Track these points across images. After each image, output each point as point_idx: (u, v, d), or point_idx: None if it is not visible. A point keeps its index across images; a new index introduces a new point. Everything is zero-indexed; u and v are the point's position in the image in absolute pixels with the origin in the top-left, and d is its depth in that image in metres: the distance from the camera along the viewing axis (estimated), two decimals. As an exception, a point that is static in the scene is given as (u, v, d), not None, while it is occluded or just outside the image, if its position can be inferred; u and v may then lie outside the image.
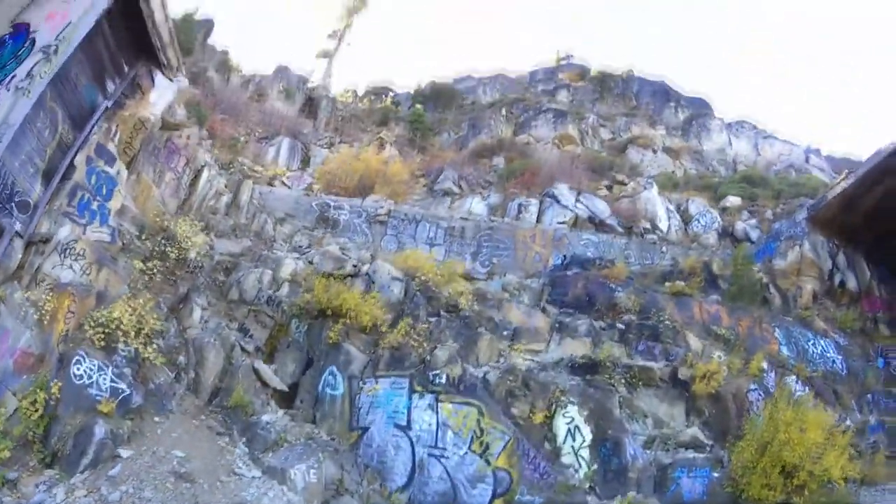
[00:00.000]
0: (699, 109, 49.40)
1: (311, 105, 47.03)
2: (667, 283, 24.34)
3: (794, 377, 21.91)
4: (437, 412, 16.65)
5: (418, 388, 17.09)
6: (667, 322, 21.16)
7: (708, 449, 17.49)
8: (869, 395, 24.58)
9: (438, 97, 53.09)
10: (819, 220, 31.06)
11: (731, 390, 18.80)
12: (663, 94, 51.52)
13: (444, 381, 17.12)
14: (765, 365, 21.19)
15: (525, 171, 35.04)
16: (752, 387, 19.37)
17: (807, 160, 46.74)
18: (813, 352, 24.99)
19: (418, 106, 49.38)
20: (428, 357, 17.84)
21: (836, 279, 30.24)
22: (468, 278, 23.76)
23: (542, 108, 46.27)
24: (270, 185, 30.23)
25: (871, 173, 30.88)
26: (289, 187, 31.27)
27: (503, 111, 47.21)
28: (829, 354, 25.43)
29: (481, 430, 16.28)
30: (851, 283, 30.44)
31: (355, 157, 35.08)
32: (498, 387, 17.49)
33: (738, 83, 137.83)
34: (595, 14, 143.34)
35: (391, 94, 54.72)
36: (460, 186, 34.73)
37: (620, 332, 20.58)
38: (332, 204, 28.05)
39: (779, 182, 38.56)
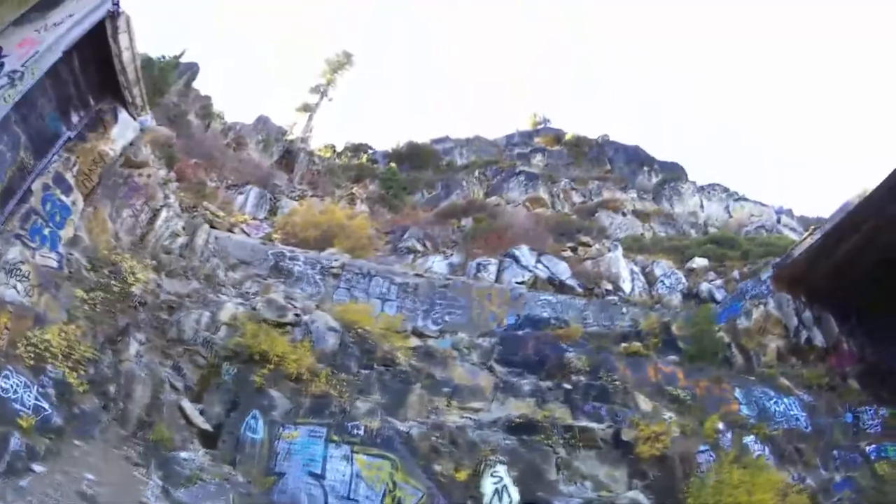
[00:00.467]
0: (672, 173, 49.63)
1: (288, 157, 47.12)
2: (622, 344, 23.95)
3: (752, 437, 21.34)
4: (351, 463, 16.20)
5: (335, 438, 16.60)
6: (617, 383, 20.61)
7: None
8: (835, 452, 23.96)
9: (415, 157, 53.46)
10: (785, 278, 30.83)
11: (678, 452, 18.07)
12: (637, 158, 51.84)
13: (361, 432, 16.64)
14: (720, 426, 20.71)
15: (490, 232, 34.83)
16: (703, 448, 18.72)
17: (778, 221, 46.72)
18: (775, 410, 24.56)
19: (392, 165, 49.57)
20: (348, 408, 17.46)
21: (803, 336, 29.82)
22: (419, 335, 23.49)
23: (514, 171, 46.45)
24: (230, 231, 29.98)
25: (837, 229, 30.65)
26: (248, 234, 31.03)
27: (476, 173, 47.32)
28: (792, 412, 24.97)
29: (394, 484, 15.70)
30: (818, 340, 30.06)
31: (319, 210, 34.89)
32: (421, 442, 16.93)
33: (712, 148, 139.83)
34: (572, 81, 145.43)
35: (369, 151, 55.01)
36: (424, 245, 34.52)
37: (567, 393, 20.00)
38: (287, 254, 27.76)
39: (747, 242, 38.43)
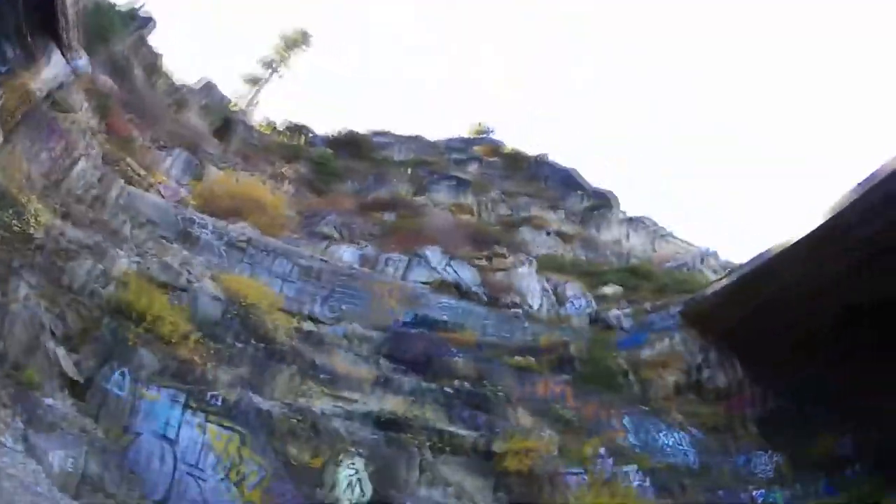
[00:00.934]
0: (603, 201, 49.40)
1: (227, 127, 45.76)
2: (516, 357, 23.52)
3: (634, 467, 21.36)
4: (204, 432, 15.80)
5: (193, 405, 16.20)
6: (500, 394, 20.38)
7: None
8: (721, 492, 24.19)
9: (352, 146, 52.30)
10: (694, 315, 30.87)
11: (547, 471, 17.97)
12: (571, 182, 51.55)
13: (219, 403, 16.28)
14: (602, 451, 20.67)
15: (409, 230, 34.29)
16: (574, 470, 18.68)
17: (702, 261, 46.79)
18: (664, 443, 24.61)
19: (328, 150, 48.61)
20: (211, 377, 17.12)
21: (705, 374, 30.00)
22: (314, 320, 23.09)
23: (446, 175, 45.95)
24: (146, 190, 28.87)
25: (752, 275, 30.69)
26: (162, 196, 29.89)
27: (409, 171, 46.65)
28: (681, 447, 25.10)
29: (240, 459, 15.34)
30: (720, 380, 30.28)
31: (240, 182, 33.95)
32: (280, 423, 16.47)
33: (651, 183, 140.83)
34: (527, 98, 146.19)
35: (309, 134, 53.86)
36: (341, 233, 33.71)
37: (447, 397, 19.69)
38: (196, 220, 26.79)
39: (665, 276, 38.39)
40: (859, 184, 27.02)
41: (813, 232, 27.81)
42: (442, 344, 22.39)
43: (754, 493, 25.22)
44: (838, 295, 32.85)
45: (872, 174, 26.96)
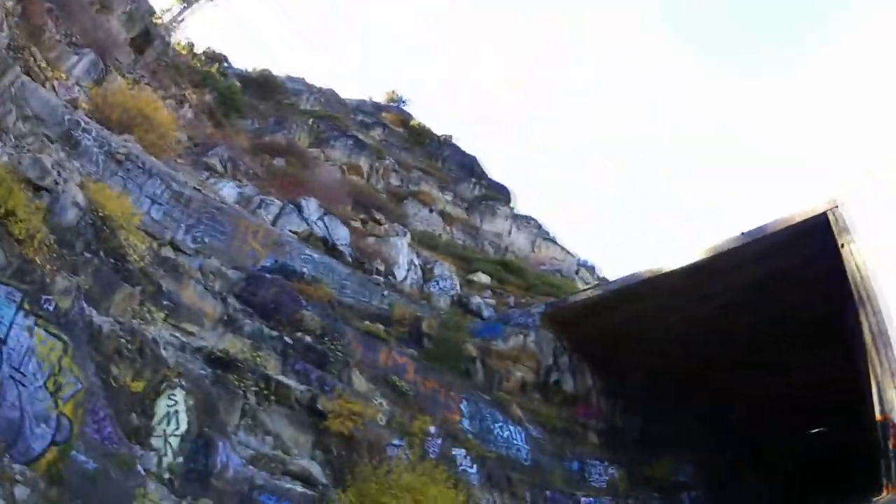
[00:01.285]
0: (497, 194, 49.77)
1: (145, 39, 43.82)
2: (366, 322, 23.26)
3: (463, 451, 21.45)
4: (32, 335, 14.69)
5: (26, 307, 15.02)
6: (340, 354, 20.10)
7: (319, 488, 16.10)
8: (549, 493, 24.41)
9: (264, 86, 51.43)
10: (555, 319, 31.29)
11: (368, 438, 17.76)
12: (470, 168, 51.97)
13: (52, 308, 15.25)
14: (432, 429, 20.61)
15: (293, 177, 33.70)
16: (396, 442, 18.57)
17: (577, 271, 47.63)
18: (499, 435, 24.72)
19: (237, 83, 47.41)
20: (50, 281, 15.92)
21: (553, 377, 30.41)
22: (175, 247, 22.23)
23: (347, 133, 45.33)
24: (42, 84, 27.33)
25: (618, 293, 31.25)
26: (56, 93, 28.37)
27: (311, 122, 45.83)
28: (515, 442, 25.26)
29: (60, 369, 14.42)
30: (569, 386, 30.83)
31: (136, 94, 32.46)
32: (108, 340, 15.74)
33: (552, 186, 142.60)
34: (459, 80, 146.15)
35: (225, 64, 52.32)
36: (225, 168, 32.81)
37: (286, 346, 19.26)
38: (82, 125, 25.46)
39: (536, 277, 38.83)
40: (743, 233, 27.73)
41: (684, 268, 28.47)
42: (295, 294, 21.89)
43: (583, 499, 25.73)
44: (696, 336, 33.88)
45: (759, 228, 27.66)
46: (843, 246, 25.38)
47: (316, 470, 16.60)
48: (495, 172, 53.40)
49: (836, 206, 25.91)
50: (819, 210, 26.31)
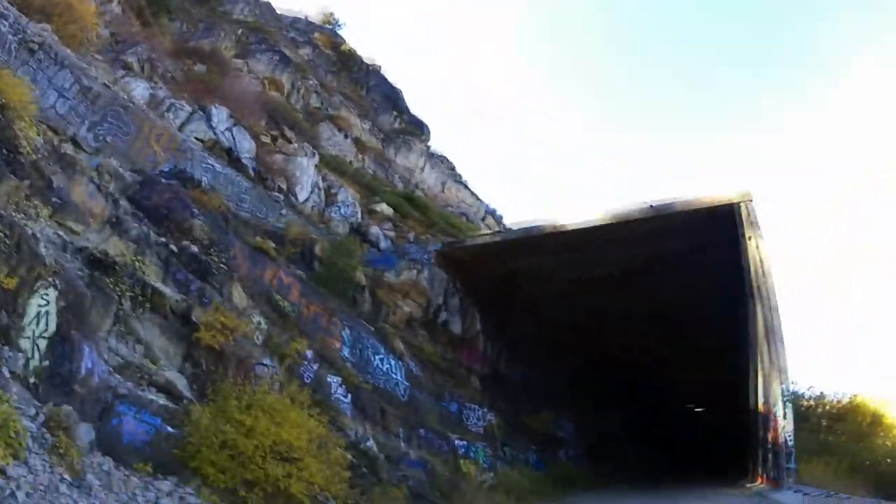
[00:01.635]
0: (414, 130, 49.64)
1: None
2: (257, 238, 23.26)
3: (339, 379, 21.42)
4: None
5: None
6: (224, 267, 19.89)
7: (183, 401, 15.74)
8: (422, 431, 24.54)
9: (199, -11, 49.42)
10: (450, 259, 31.61)
11: (239, 354, 17.51)
12: (394, 101, 51.61)
13: None
14: (308, 353, 20.56)
15: (208, 83, 33.15)
16: (267, 362, 18.31)
17: (483, 218, 48.07)
18: (378, 367, 24.78)
19: (171, -14, 45.63)
20: None
21: (442, 317, 30.84)
22: (76, 143, 21.83)
23: (274, 48, 44.40)
24: None
25: (517, 242, 31.66)
26: None
27: (240, 31, 44.68)
28: (394, 376, 25.43)
29: None
30: (456, 327, 31.34)
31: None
32: None
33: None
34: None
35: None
36: (143, 68, 31.85)
37: (171, 254, 18.96)
38: (1, 10, 24.34)
39: (439, 217, 39.01)
40: (651, 206, 28.28)
41: (586, 228, 28.97)
42: (189, 202, 21.50)
43: (457, 441, 25.97)
44: (590, 297, 34.63)
45: (668, 204, 28.23)
46: (749, 238, 26.33)
47: (182, 383, 16.30)
48: (419, 109, 53.14)
49: (750, 200, 26.74)
50: (732, 200, 27.13)
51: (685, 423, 67.76)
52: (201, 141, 27.22)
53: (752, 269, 26.11)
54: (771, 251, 26.22)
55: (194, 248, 19.75)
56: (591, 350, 43.60)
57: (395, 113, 49.79)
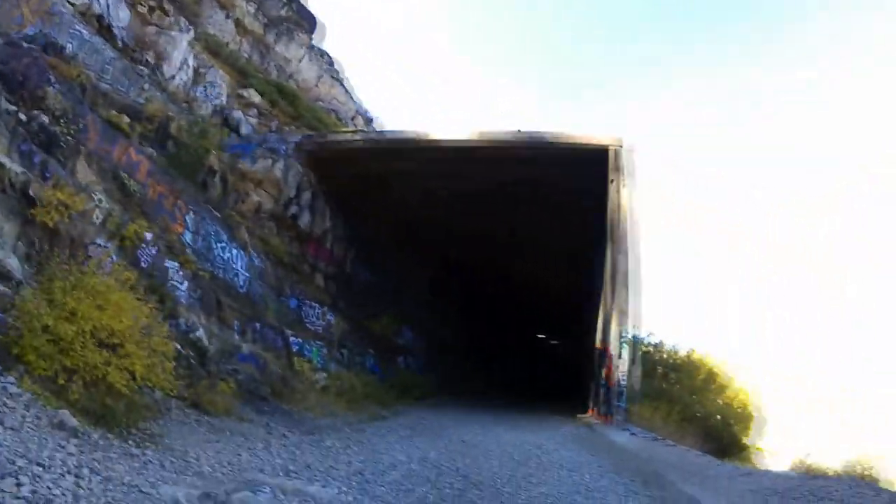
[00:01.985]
0: (301, 21, 48.50)
1: None
2: (112, 111, 22.83)
3: (177, 265, 21.04)
4: None
5: None
6: (71, 140, 19.40)
7: (13, 283, 14.43)
8: (258, 325, 24.30)
9: None
10: (309, 152, 31.79)
11: (73, 233, 16.76)
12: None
13: None
14: (148, 236, 20.05)
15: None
16: (101, 242, 17.81)
17: (353, 118, 48.44)
18: (219, 255, 24.56)
19: None
20: None
21: (292, 210, 30.89)
22: None
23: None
24: None
25: (380, 144, 32.24)
26: None
27: None
28: (234, 266, 25.30)
29: None
30: (305, 222, 31.42)
31: None
32: None
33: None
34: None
35: None
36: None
37: (18, 123, 17.97)
38: None
39: (308, 110, 39.08)
40: (520, 132, 29.38)
41: (455, 142, 29.88)
42: (46, 70, 20.55)
43: (292, 338, 26.32)
44: (448, 210, 35.81)
45: (540, 133, 29.34)
46: (612, 182, 27.89)
47: (14, 264, 15.06)
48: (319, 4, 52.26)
49: (620, 146, 28.24)
50: (602, 142, 28.56)
51: (539, 353, 70.96)
52: (73, 5, 25.95)
53: (610, 212, 27.81)
54: (636, 200, 27.71)
55: (44, 118, 18.95)
56: (448, 263, 45.16)
57: (284, 0, 48.79)
